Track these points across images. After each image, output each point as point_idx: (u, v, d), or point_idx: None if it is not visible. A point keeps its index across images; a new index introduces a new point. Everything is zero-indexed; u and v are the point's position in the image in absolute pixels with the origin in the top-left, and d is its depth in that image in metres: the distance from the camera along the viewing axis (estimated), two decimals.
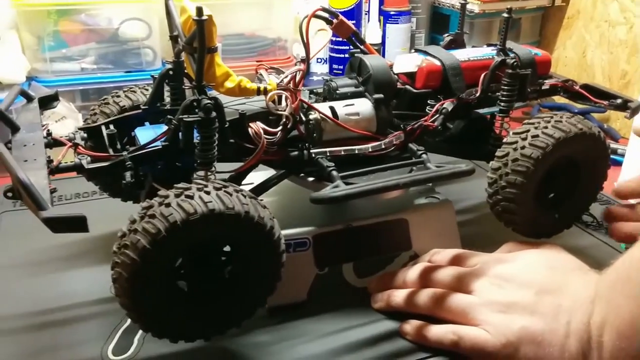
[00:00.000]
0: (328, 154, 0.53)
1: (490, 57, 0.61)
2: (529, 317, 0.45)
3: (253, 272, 0.46)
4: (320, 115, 0.53)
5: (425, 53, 0.61)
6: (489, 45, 0.65)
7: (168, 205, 0.40)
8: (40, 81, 0.86)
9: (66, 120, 0.84)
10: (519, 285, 0.47)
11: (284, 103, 0.51)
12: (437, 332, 0.48)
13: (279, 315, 0.52)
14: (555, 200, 0.58)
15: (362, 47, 0.61)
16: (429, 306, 0.50)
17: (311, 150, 0.53)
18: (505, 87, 0.58)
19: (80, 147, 0.49)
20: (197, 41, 0.43)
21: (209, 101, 0.45)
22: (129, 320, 0.51)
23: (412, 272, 0.53)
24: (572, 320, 0.43)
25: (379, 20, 1.06)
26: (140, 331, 0.50)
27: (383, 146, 0.54)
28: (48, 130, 0.49)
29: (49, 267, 0.60)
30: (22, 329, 0.51)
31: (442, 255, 0.54)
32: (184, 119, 0.46)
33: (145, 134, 0.51)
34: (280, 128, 0.51)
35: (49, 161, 0.44)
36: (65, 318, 0.53)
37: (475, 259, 0.52)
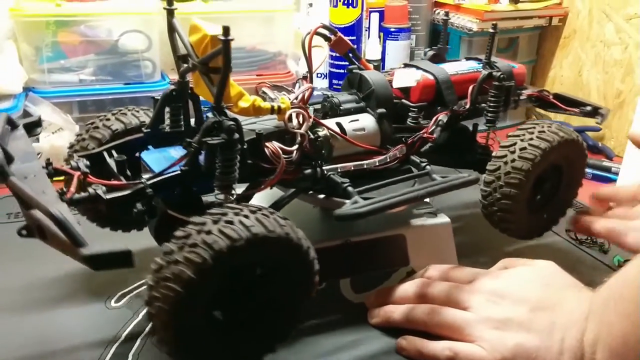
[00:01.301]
0: (339, 170, 0.53)
1: (475, 70, 0.64)
2: (524, 334, 0.45)
3: (288, 294, 0.45)
4: (330, 132, 0.53)
5: (417, 67, 0.63)
6: (467, 59, 0.69)
7: (209, 232, 0.39)
8: (37, 92, 0.86)
9: (63, 132, 0.84)
10: (514, 302, 0.47)
11: (294, 121, 0.51)
12: (434, 348, 0.48)
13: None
14: (543, 201, 0.62)
15: (358, 63, 0.62)
16: (425, 322, 0.50)
17: (323, 167, 0.53)
18: (492, 99, 0.62)
19: (89, 176, 0.46)
20: (222, 61, 0.42)
21: (231, 122, 0.44)
22: (123, 336, 0.51)
23: (409, 288, 0.53)
24: (566, 337, 0.44)
25: (379, 37, 1.07)
26: (134, 347, 0.50)
27: (389, 160, 0.55)
28: (48, 159, 0.47)
29: (44, 278, 0.59)
30: (11, 345, 0.51)
31: (438, 270, 0.54)
32: (208, 142, 0.44)
33: (153, 158, 0.50)
34: (296, 147, 0.51)
35: (61, 193, 0.42)
36: (58, 331, 0.52)
37: (471, 274, 0.52)
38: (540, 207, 0.62)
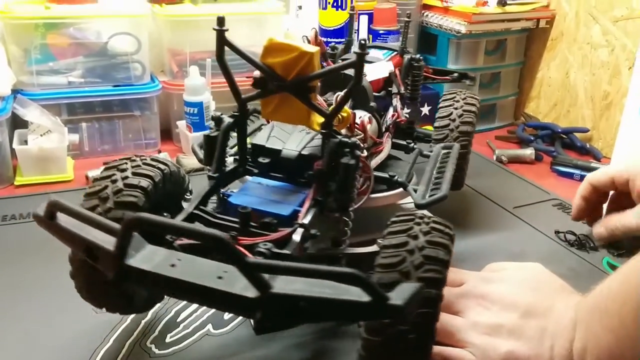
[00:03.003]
0: (374, 167, 0.56)
1: (389, 55, 0.74)
2: (514, 341, 0.45)
3: None
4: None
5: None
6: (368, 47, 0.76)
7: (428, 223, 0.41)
8: (26, 94, 0.86)
9: (52, 134, 0.83)
10: (505, 307, 0.47)
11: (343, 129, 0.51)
12: None
13: (266, 335, 0.52)
14: None
15: (324, 64, 0.66)
16: None
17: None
18: (415, 78, 0.73)
19: (238, 237, 0.42)
20: (355, 75, 0.42)
21: (356, 141, 0.45)
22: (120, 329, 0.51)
23: None
24: (556, 345, 0.44)
25: (368, 39, 1.07)
26: (122, 352, 0.49)
27: (390, 147, 0.58)
28: None
29: (35, 283, 0.59)
30: (7, 344, 0.50)
31: None
32: (347, 163, 0.44)
33: (256, 201, 0.46)
34: (366, 152, 0.53)
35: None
36: (46, 336, 0.52)
37: (461, 277, 0.52)
38: None
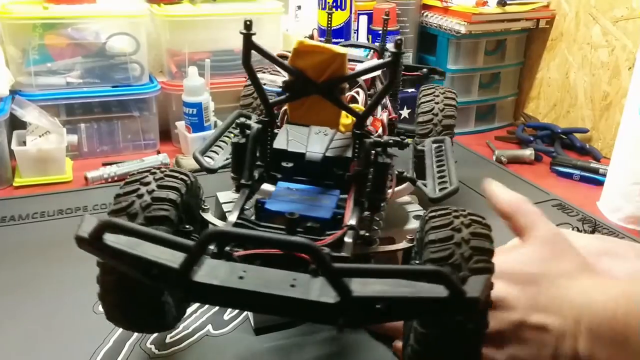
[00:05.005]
0: None
1: (368, 53, 0.73)
2: (515, 344, 0.45)
3: None
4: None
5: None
6: (343, 46, 0.75)
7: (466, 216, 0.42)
8: (24, 95, 0.85)
9: (50, 135, 0.83)
10: (506, 310, 0.46)
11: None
12: None
13: (266, 336, 0.52)
14: None
15: None
16: None
17: None
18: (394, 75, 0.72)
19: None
20: (391, 75, 0.43)
21: (391, 140, 0.44)
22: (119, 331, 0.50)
23: None
24: (559, 346, 0.44)
25: (368, 39, 1.07)
26: (122, 353, 0.49)
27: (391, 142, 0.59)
28: None
29: (34, 284, 0.59)
30: (7, 345, 0.50)
31: None
32: (384, 162, 0.44)
33: (291, 207, 0.45)
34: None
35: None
36: (45, 336, 0.52)
37: None
38: None
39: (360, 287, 0.32)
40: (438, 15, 1.06)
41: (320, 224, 0.43)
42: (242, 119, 0.49)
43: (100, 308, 0.55)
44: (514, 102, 1.18)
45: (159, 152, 0.93)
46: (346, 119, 0.48)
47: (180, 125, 0.93)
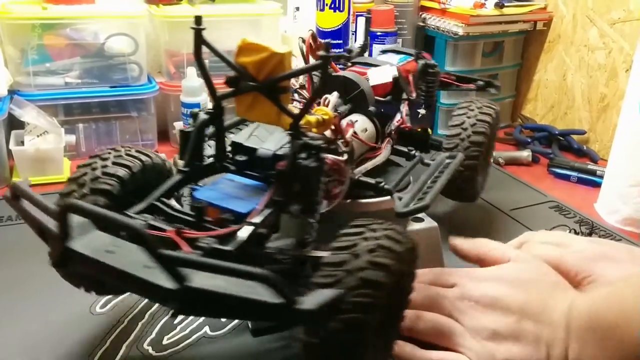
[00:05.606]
0: (363, 172, 0.55)
1: (405, 60, 0.70)
2: (511, 345, 0.45)
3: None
4: (353, 136, 0.54)
5: (369, 64, 0.66)
6: (383, 52, 0.76)
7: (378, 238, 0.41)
8: (22, 95, 0.85)
9: (48, 135, 0.83)
10: (499, 311, 0.47)
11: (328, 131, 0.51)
12: (421, 355, 0.48)
13: (263, 338, 0.52)
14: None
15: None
16: (410, 328, 0.49)
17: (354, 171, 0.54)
18: (430, 85, 0.71)
19: (184, 230, 0.42)
20: (321, 77, 0.43)
21: (321, 142, 0.44)
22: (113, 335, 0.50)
23: None
24: (552, 353, 0.44)
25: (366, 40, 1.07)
26: (120, 354, 0.49)
27: (389, 153, 0.57)
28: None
29: (32, 285, 0.59)
30: (4, 345, 0.50)
31: (421, 275, 0.54)
32: (310, 165, 0.43)
33: (217, 196, 0.46)
34: (346, 156, 0.51)
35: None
36: (42, 337, 0.52)
37: (454, 277, 0.52)
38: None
39: (199, 279, 0.33)
40: (436, 16, 1.06)
41: (235, 217, 0.44)
42: (196, 109, 0.51)
43: (98, 308, 0.55)
44: (512, 103, 1.18)
45: (157, 153, 0.93)
46: (312, 119, 0.48)
47: (179, 125, 0.93)
